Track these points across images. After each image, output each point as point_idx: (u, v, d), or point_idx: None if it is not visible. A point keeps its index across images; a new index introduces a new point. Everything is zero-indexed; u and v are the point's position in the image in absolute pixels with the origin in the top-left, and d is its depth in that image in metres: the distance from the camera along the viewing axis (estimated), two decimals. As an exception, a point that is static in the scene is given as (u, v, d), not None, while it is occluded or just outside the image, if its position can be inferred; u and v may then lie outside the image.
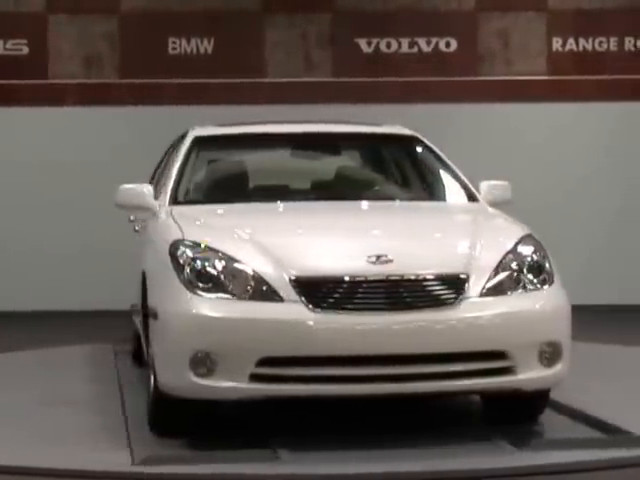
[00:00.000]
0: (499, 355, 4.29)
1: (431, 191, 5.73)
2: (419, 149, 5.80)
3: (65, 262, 8.96)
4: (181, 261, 4.39)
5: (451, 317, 4.27)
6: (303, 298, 4.21)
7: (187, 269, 4.32)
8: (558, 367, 4.38)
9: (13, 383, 6.14)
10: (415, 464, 4.01)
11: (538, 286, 4.55)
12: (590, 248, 8.61)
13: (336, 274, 4.27)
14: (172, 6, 8.82)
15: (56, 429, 4.93)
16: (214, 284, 4.26)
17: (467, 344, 4.26)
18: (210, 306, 4.22)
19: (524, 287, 4.52)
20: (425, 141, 5.67)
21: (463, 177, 5.49)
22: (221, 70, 8.77)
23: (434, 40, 8.94)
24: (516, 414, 4.73)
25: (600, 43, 8.91)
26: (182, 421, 4.53)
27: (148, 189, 5.29)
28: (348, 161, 6.21)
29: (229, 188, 5.66)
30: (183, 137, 5.95)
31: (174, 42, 8.83)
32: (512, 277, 4.51)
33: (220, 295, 4.26)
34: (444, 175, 5.64)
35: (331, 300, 4.22)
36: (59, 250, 8.67)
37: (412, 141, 5.76)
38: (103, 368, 6.69)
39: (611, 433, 4.53)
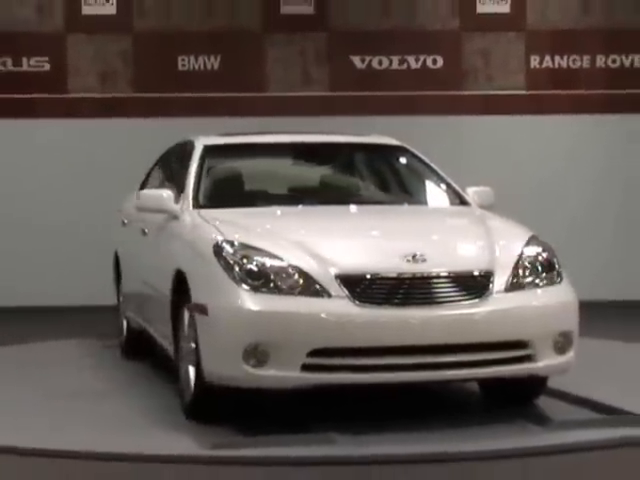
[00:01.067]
0: (522, 344, 4.54)
1: (429, 196, 5.93)
2: (410, 158, 6.03)
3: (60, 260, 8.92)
4: (229, 260, 4.55)
5: (481, 310, 4.51)
6: (348, 294, 4.40)
7: (236, 268, 4.47)
8: (570, 354, 4.68)
9: (23, 376, 6.18)
10: (458, 445, 4.27)
11: (550, 282, 4.80)
12: (565, 247, 8.91)
13: (378, 272, 4.47)
14: (181, 26, 9.12)
15: (102, 417, 5.05)
16: (265, 281, 4.42)
17: (495, 335, 4.51)
18: (263, 301, 4.38)
19: (538, 283, 4.77)
20: (412, 150, 5.96)
21: (453, 183, 5.78)
22: (226, 85, 9.09)
23: (422, 57, 9.22)
24: (515, 398, 5.01)
25: (574, 61, 9.21)
26: (225, 409, 4.67)
27: (168, 194, 5.43)
28: (343, 168, 6.36)
29: (245, 193, 5.82)
30: (184, 145, 6.14)
31: (183, 59, 9.12)
32: (528, 274, 4.76)
33: (271, 291, 4.42)
34: (436, 181, 5.91)
35: (374, 296, 4.43)
36: (62, 249, 8.71)
37: (401, 150, 6.04)
38: (100, 362, 6.72)
39: (615, 414, 4.77)
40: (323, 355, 4.31)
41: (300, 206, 5.62)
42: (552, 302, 4.70)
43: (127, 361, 6.55)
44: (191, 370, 4.74)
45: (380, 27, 9.19)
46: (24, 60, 9.05)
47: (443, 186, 5.83)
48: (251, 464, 4.11)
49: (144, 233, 5.96)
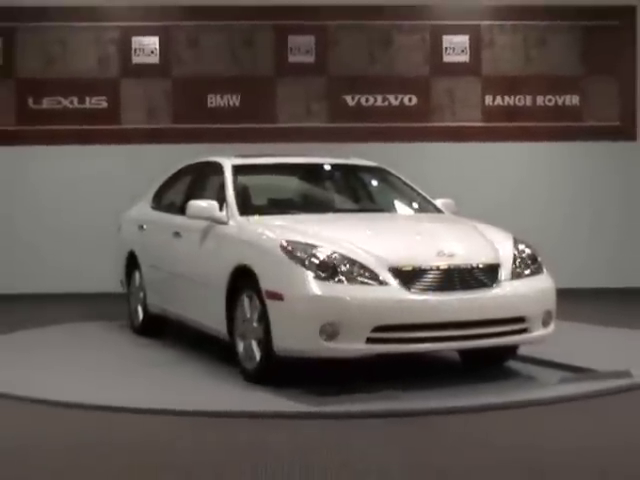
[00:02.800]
0: (522, 320, 4.99)
1: (414, 205, 6.23)
2: (389, 176, 6.48)
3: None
4: (299, 255, 4.83)
5: (494, 294, 4.95)
6: (399, 282, 4.77)
7: (306, 262, 4.78)
8: (551, 327, 5.17)
9: (87, 351, 6.29)
10: (491, 397, 4.66)
11: (536, 272, 5.25)
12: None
13: (422, 265, 4.85)
14: (210, 72, 9.89)
15: (186, 381, 5.20)
16: (333, 272, 4.76)
17: (504, 313, 4.95)
18: (333, 289, 4.71)
19: (529, 273, 5.20)
20: (390, 170, 6.49)
21: (427, 195, 6.25)
22: (244, 118, 9.84)
23: (400, 97, 9.97)
24: (489, 362, 5.46)
25: (519, 100, 10.03)
26: (290, 376, 4.91)
27: (213, 204, 5.62)
28: (339, 184, 6.64)
29: (273, 202, 6.14)
30: (211, 165, 6.29)
31: (211, 98, 9.89)
32: (522, 266, 5.19)
33: (338, 280, 4.74)
34: (414, 194, 6.31)
35: (419, 283, 4.81)
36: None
37: (382, 170, 6.52)
38: (131, 339, 6.82)
39: (583, 372, 5.18)
40: (383, 330, 4.66)
41: (324, 214, 5.89)
42: (540, 288, 5.16)
43: (145, 338, 6.71)
44: (254, 344, 5.01)
45: (367, 73, 9.97)
46: (87, 99, 9.85)
47: (420, 198, 6.26)
48: (350, 417, 4.36)
49: (178, 236, 6.13)
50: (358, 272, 4.74)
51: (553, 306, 5.15)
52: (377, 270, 4.76)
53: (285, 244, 4.86)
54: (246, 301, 5.06)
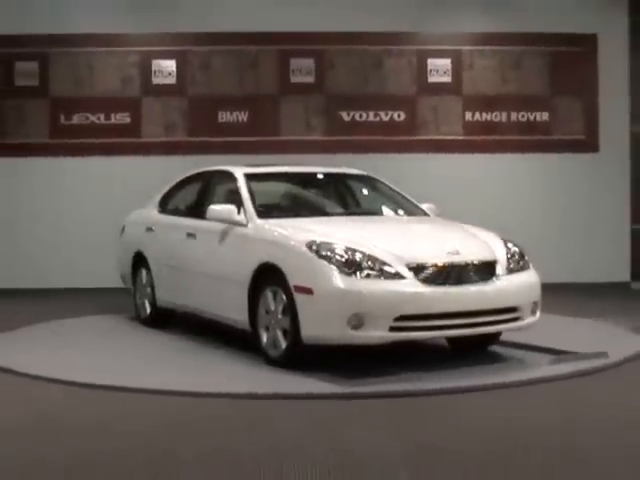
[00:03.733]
0: (515, 309, 5.17)
1: (406, 209, 6.30)
2: (379, 184, 6.60)
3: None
4: (324, 254, 4.89)
5: (494, 287, 5.11)
6: (415, 277, 4.89)
7: (333, 259, 4.85)
8: (537, 315, 5.37)
9: (111, 340, 6.32)
10: (492, 378, 4.81)
11: (524, 268, 5.38)
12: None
13: (434, 262, 4.98)
14: (221, 91, 10.21)
15: (212, 366, 5.25)
16: (357, 269, 4.84)
17: (502, 303, 5.11)
18: (359, 284, 4.80)
19: (519, 269, 5.34)
20: (378, 178, 6.65)
21: (414, 200, 6.41)
22: (251, 132, 10.16)
23: (390, 113, 10.25)
24: (475, 347, 5.63)
25: (496, 116, 10.36)
26: (313, 361, 5.01)
27: (232, 208, 5.68)
28: (337, 191, 6.66)
29: (284, 206, 6.24)
30: (222, 173, 6.30)
31: (222, 114, 10.18)
32: (513, 263, 5.34)
33: (362, 276, 4.82)
34: (403, 199, 6.44)
35: (432, 278, 4.93)
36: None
37: (370, 178, 6.68)
38: (145, 329, 6.82)
39: (563, 354, 5.33)
40: (404, 320, 4.78)
41: (332, 216, 6.00)
42: (529, 281, 5.34)
43: (159, 329, 6.75)
44: (279, 333, 5.11)
45: (360, 92, 10.25)
46: (112, 115, 10.15)
47: (408, 202, 6.40)
48: (376, 397, 4.46)
49: (192, 237, 6.19)
50: (379, 268, 4.83)
51: (539, 297, 5.35)
52: (396, 266, 4.86)
53: (311, 244, 4.93)
54: (270, 295, 5.15)
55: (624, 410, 4.32)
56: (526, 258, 5.44)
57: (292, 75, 10.27)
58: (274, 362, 5.12)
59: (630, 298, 9.45)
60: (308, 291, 4.80)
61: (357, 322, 4.71)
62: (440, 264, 4.95)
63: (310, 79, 10.28)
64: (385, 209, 6.38)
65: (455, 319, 4.90)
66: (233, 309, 5.51)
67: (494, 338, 5.56)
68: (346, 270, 4.80)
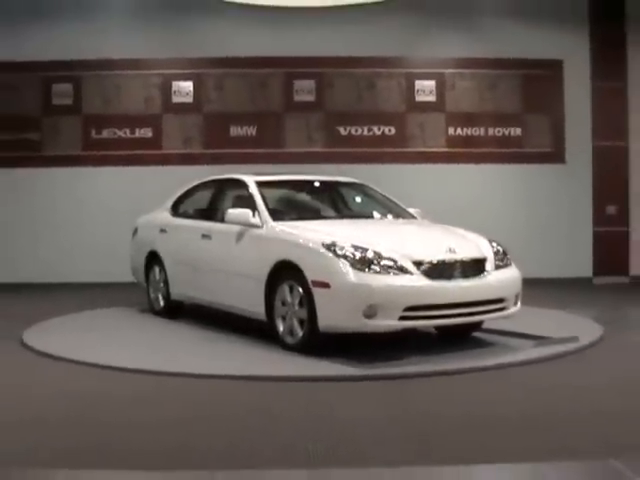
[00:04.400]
0: (502, 300, 5.43)
1: (398, 213, 6.47)
2: (372, 191, 6.85)
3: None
4: (340, 252, 5.05)
5: (486, 281, 5.36)
6: (420, 272, 5.08)
7: (348, 257, 5.00)
8: (519, 305, 5.64)
9: (144, 329, 6.44)
10: (472, 362, 5.01)
11: (507, 264, 5.62)
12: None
13: (437, 258, 5.20)
14: (232, 109, 10.76)
15: (238, 353, 5.39)
16: (370, 265, 4.99)
17: (492, 295, 5.35)
18: (373, 279, 4.96)
19: (503, 265, 5.57)
20: (370, 185, 6.94)
21: (402, 205, 6.69)
22: (259, 144, 10.65)
23: (382, 128, 10.76)
24: (459, 333, 5.86)
25: (475, 131, 10.89)
26: (328, 348, 5.20)
27: (248, 212, 5.86)
28: (337, 196, 6.85)
29: (293, 210, 6.37)
30: (234, 181, 6.48)
31: (233, 129, 10.72)
32: (499, 260, 5.57)
33: (376, 272, 4.99)
34: (394, 204, 6.69)
35: (435, 273, 5.13)
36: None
37: (362, 186, 6.96)
38: (163, 320, 6.96)
39: (541, 339, 5.57)
40: (411, 310, 4.97)
41: (336, 219, 6.17)
42: (512, 276, 5.61)
43: (174, 320, 6.95)
44: (295, 323, 5.32)
45: (356, 109, 10.78)
46: (136, 130, 10.70)
47: (398, 207, 6.65)
48: (389, 378, 4.65)
49: (207, 237, 6.37)
50: (389, 265, 5.02)
51: (520, 290, 5.64)
52: (403, 263, 5.06)
53: (327, 244, 5.11)
54: (286, 289, 5.36)
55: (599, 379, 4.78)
56: (508, 256, 5.70)
57: (295, 94, 10.73)
58: (290, 348, 5.32)
59: (592, 292, 9.93)
60: (325, 285, 4.98)
61: (371, 312, 4.87)
62: (441, 261, 5.19)
63: (311, 98, 10.72)
64: (380, 213, 6.58)
65: (454, 309, 5.13)
66: (250, 301, 5.70)
67: (476, 326, 5.82)
68: (359, 266, 4.93)
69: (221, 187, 6.82)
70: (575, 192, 10.92)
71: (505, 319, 5.65)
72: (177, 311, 7.18)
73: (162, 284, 7.18)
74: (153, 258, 7.31)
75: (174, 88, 10.74)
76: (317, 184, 6.94)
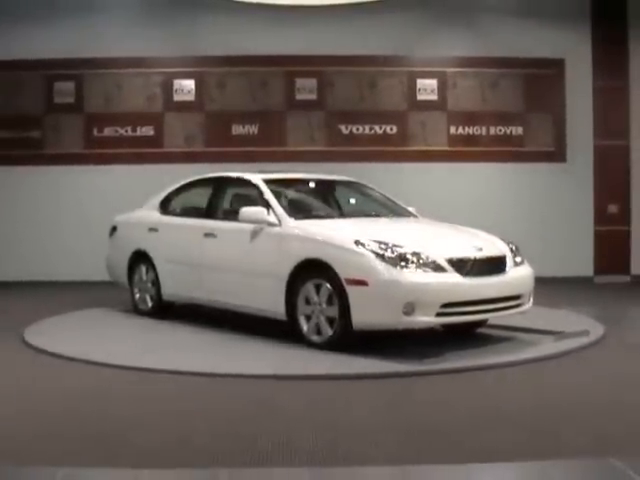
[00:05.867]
0: (520, 297, 5.57)
1: (403, 212, 6.52)
2: (371, 190, 6.87)
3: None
4: (374, 250, 5.06)
5: (508, 278, 5.49)
6: (454, 270, 5.19)
7: (385, 255, 5.03)
8: (531, 301, 5.75)
9: (147, 330, 6.29)
10: (483, 359, 5.07)
11: (521, 262, 5.74)
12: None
13: (468, 256, 5.32)
14: (234, 107, 10.74)
15: (260, 352, 5.32)
16: (407, 263, 5.07)
17: (512, 291, 5.48)
18: (411, 276, 5.04)
19: (518, 263, 5.70)
20: (369, 184, 7.00)
21: (402, 203, 6.78)
22: (261, 143, 10.67)
23: (383, 127, 10.78)
24: (464, 329, 5.96)
25: (477, 130, 10.89)
26: (355, 345, 5.26)
27: (263, 210, 5.82)
28: (339, 195, 6.91)
29: (306, 208, 6.41)
30: (238, 180, 6.42)
31: (235, 127, 10.73)
32: (514, 258, 5.71)
33: (413, 269, 5.06)
34: (395, 203, 6.75)
35: (466, 270, 5.23)
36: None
37: (362, 185, 6.99)
38: (151, 321, 6.78)
39: (552, 334, 5.76)
40: (448, 306, 5.07)
41: (349, 218, 6.17)
42: (527, 273, 5.75)
43: (165, 320, 6.80)
44: (323, 321, 5.34)
45: (357, 108, 10.82)
46: (138, 128, 10.73)
47: (398, 206, 6.70)
48: (444, 373, 4.79)
49: (211, 236, 6.30)
50: (425, 263, 5.11)
51: (532, 287, 5.79)
52: (438, 261, 5.17)
53: (362, 241, 5.17)
54: (312, 288, 5.37)
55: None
56: (520, 254, 5.81)
57: (297, 93, 10.77)
58: (316, 346, 5.33)
59: (593, 291, 9.99)
60: (362, 283, 5.00)
61: (410, 309, 4.94)
62: (472, 258, 5.32)
63: (313, 97, 10.76)
64: (383, 211, 6.61)
65: (483, 305, 5.24)
66: (267, 300, 5.66)
67: (482, 323, 5.94)
68: (396, 264, 5.00)
69: (219, 185, 6.75)
70: (576, 191, 10.95)
71: (510, 317, 5.74)
72: (166, 312, 7.09)
73: (150, 284, 7.10)
74: (138, 257, 7.19)
75: (176, 86, 10.75)
76: (320, 182, 6.96)
